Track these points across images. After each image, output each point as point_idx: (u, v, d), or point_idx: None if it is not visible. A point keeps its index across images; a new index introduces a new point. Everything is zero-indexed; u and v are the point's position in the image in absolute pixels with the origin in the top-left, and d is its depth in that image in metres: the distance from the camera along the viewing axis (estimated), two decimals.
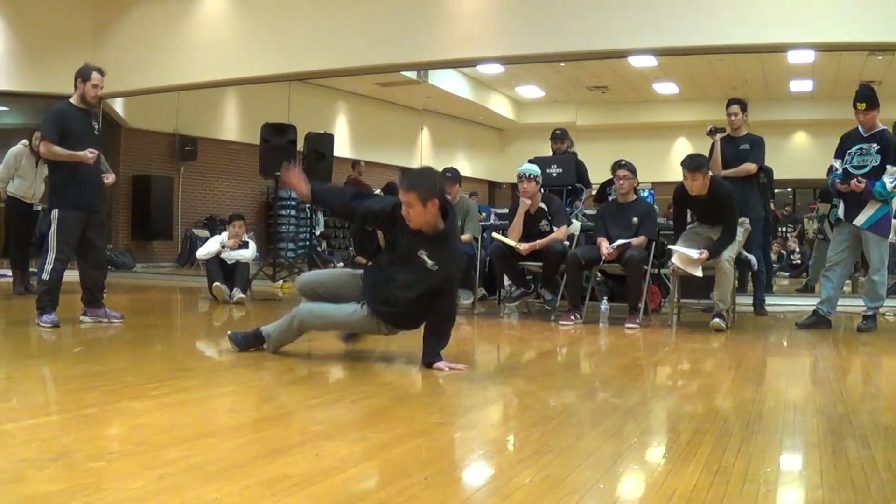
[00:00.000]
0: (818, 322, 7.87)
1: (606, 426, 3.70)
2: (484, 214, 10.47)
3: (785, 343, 7.34)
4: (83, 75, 7.11)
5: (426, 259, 4.92)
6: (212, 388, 4.30)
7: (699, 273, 7.69)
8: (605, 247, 8.07)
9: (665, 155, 21.69)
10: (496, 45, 11.97)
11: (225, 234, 10.40)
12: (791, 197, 23.61)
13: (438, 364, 5.05)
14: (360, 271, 5.43)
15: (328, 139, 14.27)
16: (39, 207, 10.24)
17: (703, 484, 2.76)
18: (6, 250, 11.55)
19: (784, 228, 19.86)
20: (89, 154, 6.93)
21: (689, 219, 8.13)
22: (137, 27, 14.58)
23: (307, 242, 17.63)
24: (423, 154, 21.93)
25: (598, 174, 11.26)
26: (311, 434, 3.49)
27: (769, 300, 9.56)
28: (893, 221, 7.95)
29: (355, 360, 5.56)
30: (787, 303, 10.44)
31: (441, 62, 13.81)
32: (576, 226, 9.02)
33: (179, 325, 8.67)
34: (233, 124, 19.34)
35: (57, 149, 6.85)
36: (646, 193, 9.67)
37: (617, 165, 8.56)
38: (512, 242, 8.39)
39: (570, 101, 21.36)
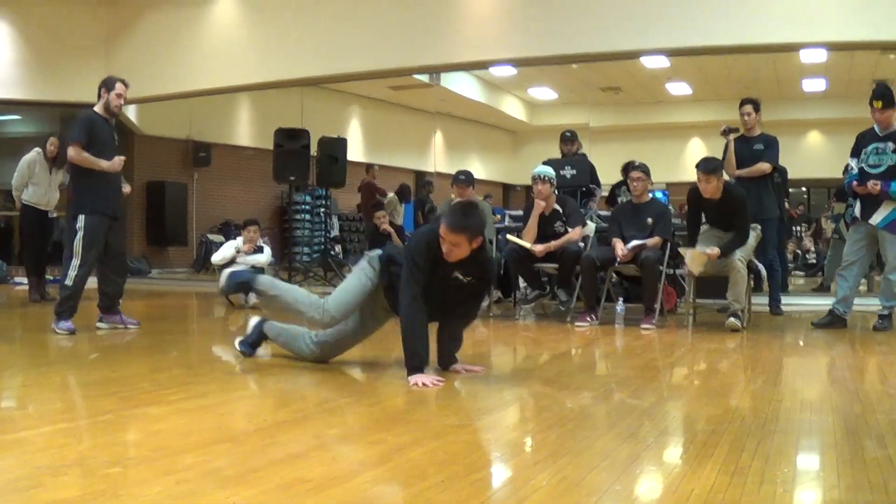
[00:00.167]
0: (834, 322, 7.83)
1: (623, 427, 3.69)
2: (498, 217, 10.47)
3: (801, 343, 7.31)
4: (107, 85, 7.16)
5: (460, 276, 4.89)
6: (228, 392, 4.30)
7: (696, 271, 7.70)
8: (620, 248, 8.06)
9: (679, 155, 21.72)
10: (508, 48, 11.97)
11: (240, 239, 10.43)
12: (805, 196, 23.58)
13: (455, 366, 5.05)
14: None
15: (341, 143, 14.32)
16: (55, 215, 10.28)
17: (720, 485, 2.75)
18: (22, 258, 11.60)
19: (798, 228, 19.81)
20: (118, 162, 7.04)
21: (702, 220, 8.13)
22: (150, 34, 14.64)
23: (322, 246, 17.65)
24: (437, 157, 21.97)
25: (611, 177, 11.26)
26: (327, 438, 3.49)
27: (784, 300, 9.52)
28: None
29: (370, 363, 5.57)
30: (803, 302, 10.40)
31: (453, 65, 13.83)
32: (590, 227, 9.01)
33: (195, 331, 8.69)
34: (246, 130, 19.41)
35: (87, 155, 6.90)
36: (660, 194, 9.65)
37: (630, 167, 8.55)
38: (527, 244, 8.39)
39: (583, 103, 21.40)
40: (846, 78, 18.73)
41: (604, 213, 10.16)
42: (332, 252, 17.11)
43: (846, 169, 7.81)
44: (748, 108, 8.97)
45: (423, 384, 4.53)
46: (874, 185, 7.38)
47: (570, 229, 8.46)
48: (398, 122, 22.47)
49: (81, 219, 6.93)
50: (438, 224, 4.77)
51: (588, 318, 8.06)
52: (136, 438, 3.45)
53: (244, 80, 13.97)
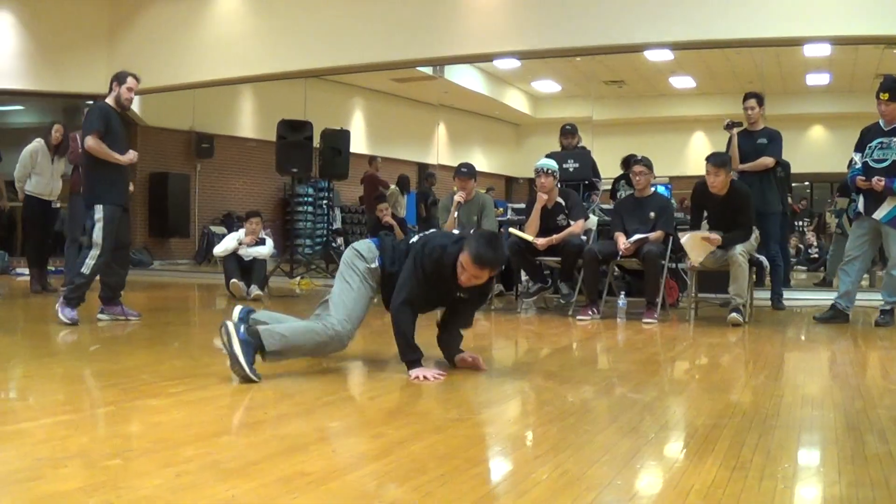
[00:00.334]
0: (836, 316, 7.84)
1: (624, 422, 3.69)
2: (501, 210, 10.45)
3: (802, 338, 7.31)
4: (119, 79, 7.22)
5: (461, 294, 4.85)
6: (229, 385, 4.29)
7: (696, 259, 7.72)
8: (623, 242, 8.06)
9: (682, 149, 21.66)
10: (512, 40, 11.97)
11: (242, 231, 10.44)
12: (808, 191, 23.52)
13: (462, 356, 5.00)
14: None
15: (344, 135, 14.31)
16: (58, 205, 10.27)
17: (721, 479, 2.75)
18: (24, 249, 11.60)
19: (801, 222, 19.79)
20: (133, 156, 7.18)
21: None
22: (153, 25, 14.64)
23: (324, 239, 17.65)
24: (440, 149, 21.94)
25: (615, 170, 11.25)
26: (328, 431, 3.49)
27: (786, 294, 9.53)
28: None
29: (371, 357, 5.56)
30: (805, 297, 10.39)
31: (457, 57, 13.80)
32: (593, 220, 9.01)
33: (197, 323, 8.70)
34: (249, 121, 19.37)
35: (105, 147, 6.96)
36: (662, 188, 9.64)
37: (631, 160, 8.55)
38: (529, 237, 8.38)
39: (587, 96, 21.32)
40: (850, 72, 18.68)
41: (606, 206, 10.15)
42: (335, 244, 17.11)
43: (850, 163, 7.79)
44: (752, 102, 8.98)
45: (425, 377, 4.53)
46: (878, 182, 7.37)
47: (572, 223, 8.46)
48: (401, 115, 22.41)
49: (100, 209, 6.97)
50: (457, 245, 4.65)
51: (590, 312, 8.07)
52: (136, 430, 3.45)
53: (247, 71, 13.97)
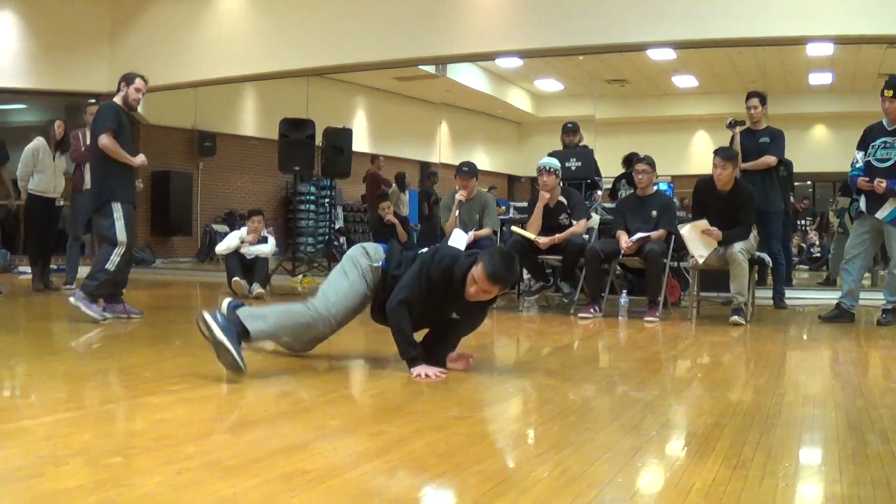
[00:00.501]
0: (841, 315, 7.83)
1: (625, 420, 3.69)
2: (503, 208, 10.45)
3: (804, 337, 7.31)
4: (128, 79, 7.30)
5: (454, 314, 4.83)
6: (230, 383, 4.29)
7: (696, 251, 7.72)
8: (625, 240, 8.06)
9: (685, 148, 21.64)
10: (514, 39, 11.97)
11: (244, 230, 10.44)
12: (810, 190, 23.50)
13: (452, 355, 4.91)
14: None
15: (347, 134, 14.30)
16: (61, 203, 10.26)
17: (722, 478, 2.75)
18: (26, 247, 11.59)
19: (803, 221, 19.79)
20: (143, 159, 7.30)
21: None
22: (155, 24, 14.64)
23: (326, 237, 17.65)
24: (442, 148, 21.93)
25: (617, 169, 11.25)
26: (328, 429, 3.49)
27: (788, 293, 9.53)
28: None
29: (372, 355, 5.56)
30: (807, 296, 10.38)
31: (459, 56, 13.78)
32: (595, 219, 9.01)
33: None
34: (251, 120, 19.38)
35: (119, 147, 7.03)
36: (665, 186, 9.64)
37: (634, 159, 8.55)
38: (531, 236, 8.38)
39: (589, 95, 21.30)
40: (852, 72, 18.67)
41: (608, 205, 10.14)
42: (337, 243, 17.11)
43: (853, 162, 7.79)
44: (754, 101, 8.98)
45: (426, 375, 4.52)
46: (879, 184, 7.37)
47: (574, 221, 8.46)
48: (403, 113, 22.41)
49: (118, 207, 7.04)
50: (470, 259, 4.61)
51: (591, 311, 8.07)
52: (138, 428, 3.45)
53: (249, 69, 13.97)
